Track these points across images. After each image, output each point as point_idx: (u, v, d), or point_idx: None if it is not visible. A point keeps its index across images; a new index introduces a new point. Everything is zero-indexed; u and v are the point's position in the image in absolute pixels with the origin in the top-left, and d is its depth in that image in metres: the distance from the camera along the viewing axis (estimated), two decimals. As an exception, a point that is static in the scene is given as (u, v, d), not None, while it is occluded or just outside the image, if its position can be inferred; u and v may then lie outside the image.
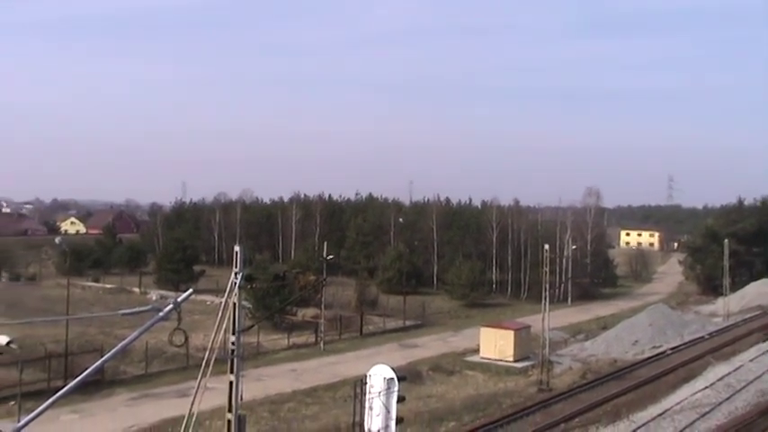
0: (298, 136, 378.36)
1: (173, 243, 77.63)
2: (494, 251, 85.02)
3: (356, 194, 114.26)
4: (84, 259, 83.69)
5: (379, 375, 16.67)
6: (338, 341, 50.79)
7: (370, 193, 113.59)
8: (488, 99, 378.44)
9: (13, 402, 29.59)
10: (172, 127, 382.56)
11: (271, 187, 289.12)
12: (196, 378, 13.75)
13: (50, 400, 8.28)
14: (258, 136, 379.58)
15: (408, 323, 58.53)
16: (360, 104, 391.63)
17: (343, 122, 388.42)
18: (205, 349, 26.73)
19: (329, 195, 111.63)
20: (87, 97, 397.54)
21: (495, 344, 44.07)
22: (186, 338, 11.66)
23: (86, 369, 9.36)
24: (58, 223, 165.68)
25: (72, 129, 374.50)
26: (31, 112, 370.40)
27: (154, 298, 66.07)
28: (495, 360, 43.36)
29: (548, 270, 40.16)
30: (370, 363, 19.95)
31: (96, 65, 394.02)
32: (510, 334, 44.23)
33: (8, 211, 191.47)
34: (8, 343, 23.98)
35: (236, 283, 15.01)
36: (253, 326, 41.63)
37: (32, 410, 8.37)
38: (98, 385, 34.20)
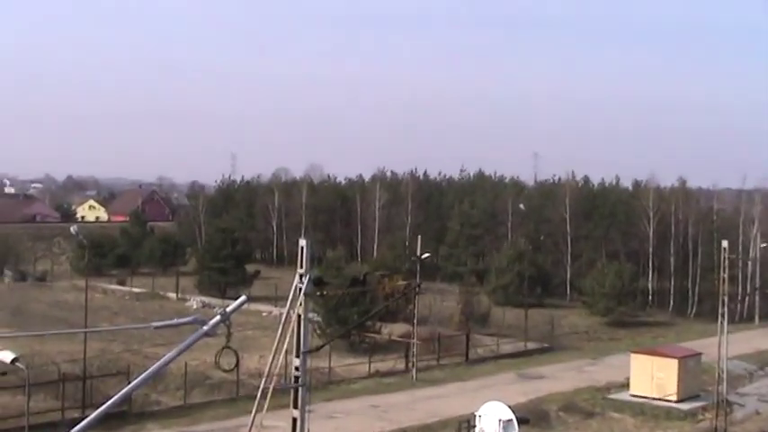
0: (381, 92, 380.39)
1: (219, 234, 79.33)
2: (650, 250, 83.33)
3: (461, 171, 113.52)
4: (106, 254, 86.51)
5: (493, 416, 16.68)
6: (436, 368, 50.88)
7: (480, 170, 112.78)
8: (646, 40, 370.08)
9: (17, 437, 30.98)
10: (218, 84, 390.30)
11: (346, 161, 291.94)
12: (249, 412, 14.08)
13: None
14: (330, 93, 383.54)
15: (531, 346, 58.11)
16: (467, 45, 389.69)
17: (442, 71, 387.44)
18: (260, 375, 27.23)
19: (424, 172, 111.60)
20: (105, 46, 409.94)
21: (652, 376, 43.54)
22: (237, 361, 11.91)
23: (110, 397, 9.69)
24: (73, 207, 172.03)
25: (90, 88, 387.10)
26: (37, 70, 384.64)
27: (195, 306, 67.79)
28: (652, 399, 42.84)
29: (726, 277, 39.14)
30: (479, 398, 19.99)
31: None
32: (672, 363, 43.49)
33: (12, 191, 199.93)
34: (13, 361, 25.04)
35: (300, 289, 15.24)
36: (323, 346, 42.05)
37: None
38: (124, 418, 35.40)
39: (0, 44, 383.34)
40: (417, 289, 49.27)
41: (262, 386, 14.42)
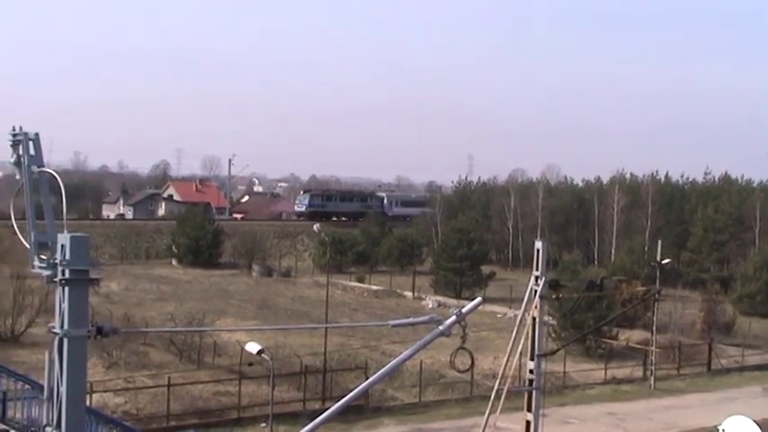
0: (618, 92, 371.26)
1: (454, 235, 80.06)
2: None
3: (705, 174, 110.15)
4: (346, 252, 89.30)
5: (737, 431, 15.92)
6: (675, 377, 49.39)
7: (726, 173, 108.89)
8: None
9: (263, 424, 32.66)
10: (457, 86, 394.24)
11: (584, 163, 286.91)
12: (482, 413, 14.15)
13: (309, 427, 8.98)
14: (563, 94, 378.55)
15: (780, 359, 55.34)
16: (707, 40, 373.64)
17: (683, 69, 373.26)
18: (494, 376, 27.32)
19: (666, 175, 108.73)
20: (346, 48, 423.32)
21: None
22: (472, 362, 11.99)
23: (348, 391, 10.02)
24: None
25: (334, 90, 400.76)
26: (283, 73, 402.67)
27: (430, 305, 68.80)
28: None
29: None
30: (721, 411, 19.16)
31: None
32: None
33: (261, 189, 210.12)
34: (259, 352, 26.45)
35: (535, 292, 15.17)
36: (558, 350, 41.73)
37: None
38: (360, 412, 36.48)
39: (246, 47, 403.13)
40: (657, 295, 47.91)
41: (496, 387, 14.45)
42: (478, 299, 11.04)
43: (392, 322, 10.48)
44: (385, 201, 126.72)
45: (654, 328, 49.02)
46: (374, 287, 77.63)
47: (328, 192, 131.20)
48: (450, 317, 9.89)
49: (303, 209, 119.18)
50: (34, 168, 9.00)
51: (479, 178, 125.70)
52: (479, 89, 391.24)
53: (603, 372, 48.01)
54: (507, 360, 14.93)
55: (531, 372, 14.89)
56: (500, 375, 13.93)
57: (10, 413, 19.37)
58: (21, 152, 8.99)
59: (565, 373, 45.77)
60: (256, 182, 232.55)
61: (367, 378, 31.48)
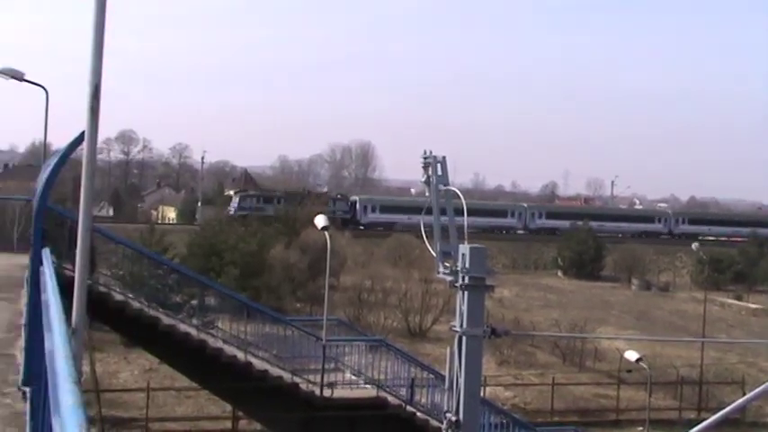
0: None
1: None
2: None
3: None
4: (724, 271, 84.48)
5: None
6: None
7: None
8: None
9: (641, 428, 31.73)
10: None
11: None
12: None
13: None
14: None
15: None
16: None
17: None
18: None
19: None
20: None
21: None
22: None
23: (725, 403, 9.40)
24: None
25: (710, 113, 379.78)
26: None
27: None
28: None
29: None
30: None
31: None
32: None
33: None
34: (637, 360, 25.84)
35: None
36: None
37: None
38: (736, 425, 34.08)
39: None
40: None
41: None
42: None
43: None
44: (357, 205, 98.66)
45: None
46: (752, 306, 72.74)
47: (267, 193, 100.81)
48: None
49: (232, 212, 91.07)
50: (441, 187, 9.42)
51: None
52: None
53: None
54: None
55: None
56: None
57: (417, 397, 20.45)
58: (430, 173, 9.45)
59: None
60: (637, 201, 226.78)
61: (744, 393, 29.45)
